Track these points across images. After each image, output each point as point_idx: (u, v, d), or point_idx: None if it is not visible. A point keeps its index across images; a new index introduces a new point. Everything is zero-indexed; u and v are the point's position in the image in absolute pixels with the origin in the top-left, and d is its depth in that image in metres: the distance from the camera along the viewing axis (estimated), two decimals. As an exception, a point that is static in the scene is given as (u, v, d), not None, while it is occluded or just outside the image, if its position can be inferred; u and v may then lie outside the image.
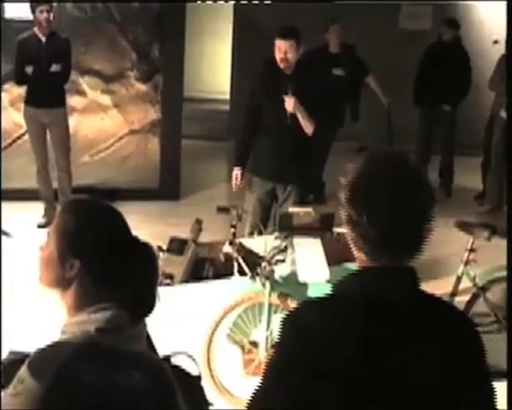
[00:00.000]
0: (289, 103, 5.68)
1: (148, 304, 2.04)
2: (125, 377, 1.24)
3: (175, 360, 2.00)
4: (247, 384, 4.76)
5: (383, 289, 1.94)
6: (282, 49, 5.69)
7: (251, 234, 5.79)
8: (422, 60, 9.78)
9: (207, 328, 4.75)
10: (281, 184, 5.97)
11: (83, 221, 2.04)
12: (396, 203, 1.94)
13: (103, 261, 2.01)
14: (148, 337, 2.11)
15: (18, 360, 1.70)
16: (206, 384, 4.69)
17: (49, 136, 7.73)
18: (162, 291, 5.04)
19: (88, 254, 2.01)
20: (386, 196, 1.94)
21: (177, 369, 1.99)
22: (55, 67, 7.42)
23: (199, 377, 2.04)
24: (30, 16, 7.39)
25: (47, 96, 7.52)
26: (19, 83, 7.64)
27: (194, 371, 2.02)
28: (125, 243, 2.04)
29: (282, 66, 5.74)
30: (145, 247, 2.07)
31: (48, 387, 1.25)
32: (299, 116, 5.71)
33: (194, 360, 2.01)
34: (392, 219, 1.94)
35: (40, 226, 7.66)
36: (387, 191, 1.95)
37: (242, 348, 4.88)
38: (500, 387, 5.42)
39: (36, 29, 7.41)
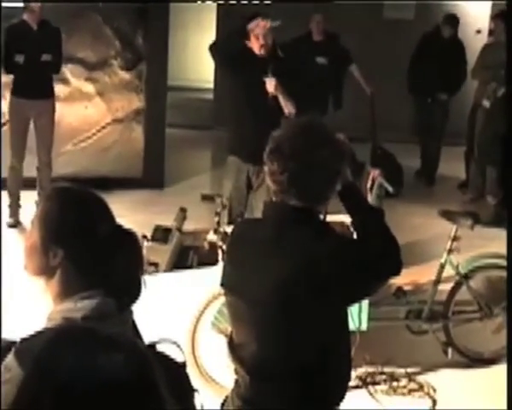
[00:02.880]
0: (270, 84, 5.68)
1: (133, 292, 2.04)
2: (104, 359, 1.24)
3: (160, 348, 2.00)
4: (232, 373, 4.78)
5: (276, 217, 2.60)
6: (261, 35, 5.70)
7: (230, 222, 5.77)
8: (418, 49, 9.84)
9: (192, 316, 4.76)
10: (254, 168, 5.91)
11: (66, 209, 2.03)
12: (306, 160, 2.49)
13: (87, 250, 2.01)
14: (134, 325, 2.11)
15: (3, 347, 1.69)
16: (191, 373, 4.70)
17: (32, 127, 7.52)
18: (147, 280, 5.02)
19: (71, 242, 2.00)
20: (299, 155, 2.49)
21: (162, 356, 1.99)
22: (45, 57, 7.19)
23: (184, 365, 2.04)
24: (17, 3, 7.23)
25: (37, 86, 7.31)
26: (8, 72, 7.35)
27: (179, 359, 2.03)
28: (108, 232, 2.04)
29: (262, 52, 5.74)
30: (129, 235, 2.07)
31: (26, 373, 1.25)
32: (281, 98, 5.71)
33: (179, 347, 2.02)
34: (302, 174, 2.49)
35: (11, 226, 7.39)
36: (300, 151, 2.49)
37: (227, 336, 4.88)
38: (483, 374, 5.48)
39: (26, 16, 7.19)
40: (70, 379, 1.19)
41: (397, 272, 2.65)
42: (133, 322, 2.11)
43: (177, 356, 2.03)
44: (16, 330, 1.73)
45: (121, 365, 1.23)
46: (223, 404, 2.83)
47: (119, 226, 2.08)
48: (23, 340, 1.38)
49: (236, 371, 2.72)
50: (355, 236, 2.82)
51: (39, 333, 1.43)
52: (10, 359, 1.32)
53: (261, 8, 10.86)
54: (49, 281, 2.03)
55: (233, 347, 2.73)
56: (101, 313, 1.92)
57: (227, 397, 2.81)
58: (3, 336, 1.92)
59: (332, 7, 10.18)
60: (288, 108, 5.73)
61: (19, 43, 7.13)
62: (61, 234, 2.01)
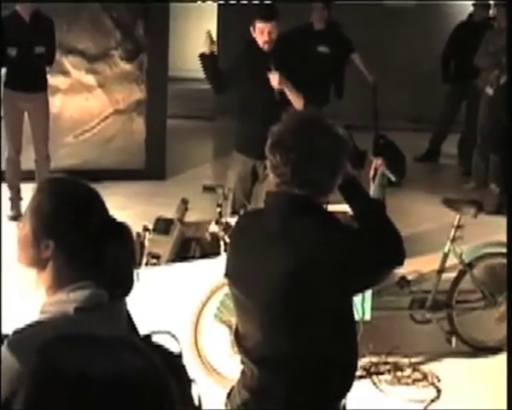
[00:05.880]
0: (274, 79, 5.62)
1: (125, 284, 2.03)
2: (123, 360, 1.22)
3: (156, 339, 1.99)
4: (235, 364, 4.77)
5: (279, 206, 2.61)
6: (266, 32, 5.65)
7: (234, 213, 5.75)
8: (453, 37, 9.95)
9: (194, 308, 4.75)
10: (261, 161, 5.87)
11: (57, 202, 2.02)
12: (307, 150, 2.52)
13: (78, 242, 1.99)
14: (129, 316, 2.10)
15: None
16: (194, 364, 4.70)
17: (27, 120, 7.43)
18: (149, 271, 5.02)
19: (62, 234, 1.99)
20: (300, 146, 2.52)
21: (158, 347, 1.98)
22: (38, 49, 7.09)
23: (180, 355, 2.03)
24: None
25: (30, 79, 7.22)
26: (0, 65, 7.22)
27: (175, 350, 2.02)
28: (100, 224, 2.02)
29: (266, 47, 5.69)
30: (121, 227, 2.05)
31: (31, 369, 1.22)
32: (287, 91, 5.65)
33: (173, 336, 2.01)
34: (305, 164, 2.51)
35: (12, 219, 7.30)
36: (301, 142, 2.53)
37: (230, 327, 4.86)
38: (487, 363, 5.45)
39: (18, 7, 7.10)
40: (78, 382, 1.17)
41: (399, 263, 2.66)
42: (128, 314, 2.09)
43: (174, 347, 2.02)
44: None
45: (136, 367, 1.21)
46: (228, 395, 2.81)
47: (112, 218, 2.07)
48: (16, 332, 1.36)
49: (243, 362, 2.72)
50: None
51: (34, 326, 1.41)
52: (3, 351, 1.30)
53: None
54: (42, 273, 2.02)
55: (239, 337, 2.72)
56: (93, 303, 1.90)
57: (233, 388, 2.80)
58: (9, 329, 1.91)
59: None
60: (296, 102, 5.66)
61: (11, 35, 6.98)
62: (52, 226, 1.99)
